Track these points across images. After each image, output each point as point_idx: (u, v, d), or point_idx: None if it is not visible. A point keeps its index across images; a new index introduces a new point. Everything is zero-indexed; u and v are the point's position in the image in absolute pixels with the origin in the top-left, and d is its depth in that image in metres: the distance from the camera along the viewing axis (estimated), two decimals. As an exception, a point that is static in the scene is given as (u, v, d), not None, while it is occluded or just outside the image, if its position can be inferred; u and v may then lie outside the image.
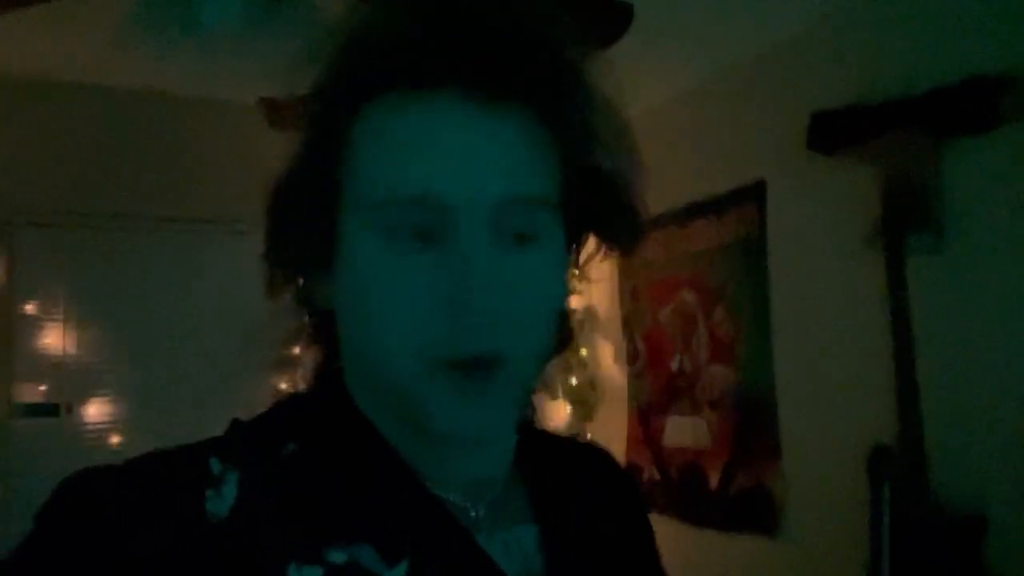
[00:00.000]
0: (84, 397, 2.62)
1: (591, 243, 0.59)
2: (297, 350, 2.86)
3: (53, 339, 2.60)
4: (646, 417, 2.91)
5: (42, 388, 2.57)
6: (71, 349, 2.62)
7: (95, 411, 2.63)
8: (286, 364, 2.87)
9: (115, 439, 2.61)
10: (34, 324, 2.59)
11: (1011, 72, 1.77)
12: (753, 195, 2.47)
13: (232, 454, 0.50)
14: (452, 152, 0.47)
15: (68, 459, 2.48)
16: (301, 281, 0.55)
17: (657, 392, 2.87)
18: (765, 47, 2.44)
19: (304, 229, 0.51)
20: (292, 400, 0.58)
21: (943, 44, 1.94)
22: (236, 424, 0.54)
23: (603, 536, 0.61)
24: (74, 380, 2.61)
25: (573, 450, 0.69)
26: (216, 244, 2.82)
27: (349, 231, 0.50)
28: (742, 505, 2.48)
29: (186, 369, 2.69)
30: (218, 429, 0.53)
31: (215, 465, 0.49)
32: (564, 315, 0.57)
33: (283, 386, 2.82)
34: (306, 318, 0.58)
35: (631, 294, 3.01)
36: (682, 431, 2.75)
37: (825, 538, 2.18)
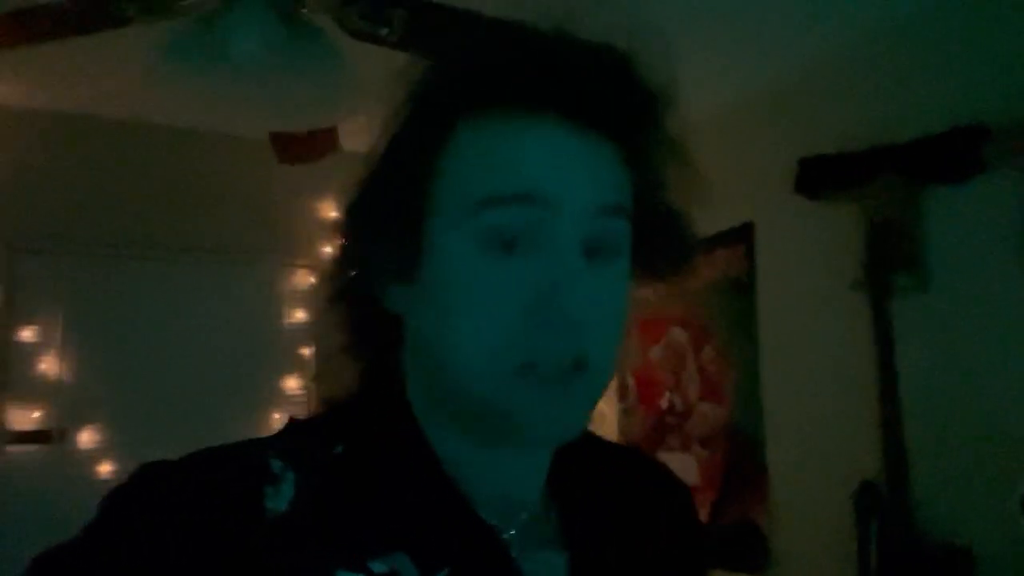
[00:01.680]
0: (77, 424, 2.62)
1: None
2: (292, 383, 2.88)
3: (49, 365, 2.61)
4: (636, 453, 2.93)
5: (35, 415, 2.57)
6: (66, 376, 2.63)
7: (88, 438, 2.62)
8: (285, 395, 2.89)
9: (106, 467, 2.60)
10: (30, 350, 2.60)
11: (991, 122, 1.86)
12: (742, 236, 2.55)
13: (290, 454, 0.51)
14: (553, 160, 0.50)
15: (57, 486, 2.48)
16: (375, 288, 0.56)
17: (647, 429, 2.90)
18: (754, 93, 2.53)
19: (391, 234, 0.52)
20: (349, 402, 0.58)
21: (927, 95, 2.04)
22: (292, 424, 0.56)
23: (641, 559, 0.60)
24: (68, 407, 2.61)
25: (621, 460, 0.68)
26: (213, 273, 2.85)
27: (439, 236, 0.51)
28: (732, 542, 2.50)
29: (181, 397, 2.70)
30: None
31: (275, 464, 0.50)
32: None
33: (277, 416, 2.83)
34: (356, 328, 0.59)
35: (622, 331, 3.05)
36: (672, 467, 2.77)
37: (814, 574, 2.21)
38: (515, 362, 0.49)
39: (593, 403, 0.53)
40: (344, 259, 0.57)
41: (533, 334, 0.48)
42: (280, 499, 0.49)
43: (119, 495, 0.49)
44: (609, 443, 0.68)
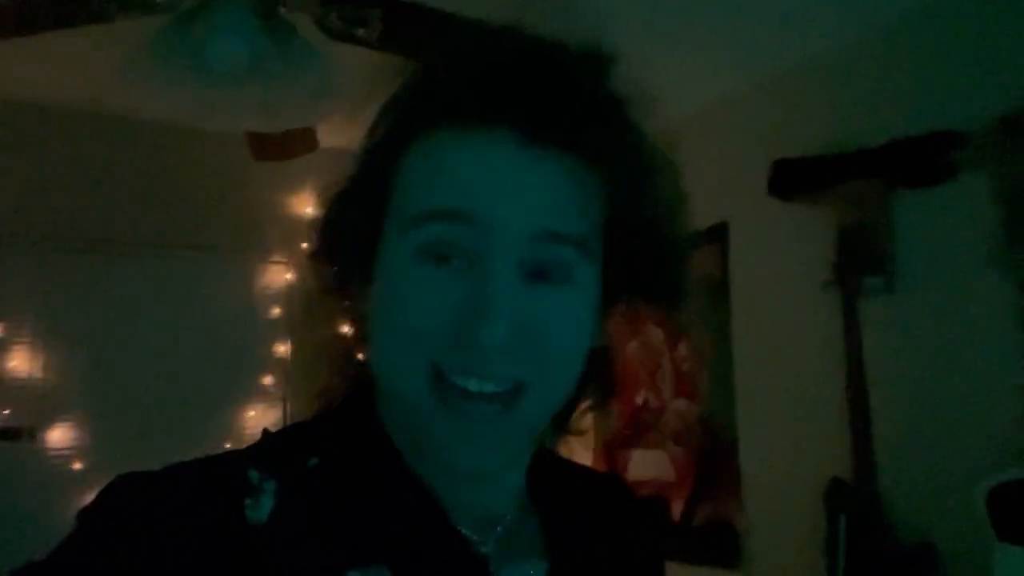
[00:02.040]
0: (48, 422, 2.59)
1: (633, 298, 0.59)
2: (268, 380, 2.87)
3: (19, 362, 2.57)
4: (611, 451, 2.96)
5: (5, 412, 2.53)
6: (37, 373, 2.59)
7: (58, 436, 2.59)
8: (260, 392, 2.88)
9: (77, 465, 2.57)
10: (0, 347, 2.56)
11: (959, 128, 1.90)
12: (717, 236, 2.58)
13: (269, 465, 0.51)
14: (492, 178, 0.49)
15: (27, 484, 2.45)
16: (349, 288, 0.58)
17: (622, 426, 2.93)
18: (729, 96, 2.56)
19: (351, 243, 0.55)
20: (322, 414, 0.59)
21: (899, 99, 2.08)
22: (267, 435, 0.56)
23: (615, 571, 0.61)
24: (39, 404, 2.58)
25: (589, 479, 0.68)
26: (188, 270, 2.83)
27: (387, 246, 0.52)
28: (705, 537, 2.54)
29: (154, 395, 2.68)
30: (184, 457, 0.52)
31: (253, 475, 0.50)
32: (601, 361, 0.58)
33: (252, 413, 2.82)
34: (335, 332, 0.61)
35: (598, 329, 3.08)
36: (647, 464, 2.80)
37: (786, 569, 2.25)
38: (424, 366, 0.49)
39: (526, 434, 0.53)
40: (319, 257, 0.59)
41: (456, 348, 0.48)
42: (260, 510, 0.48)
43: (94, 509, 0.48)
44: (578, 464, 0.69)
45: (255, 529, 0.48)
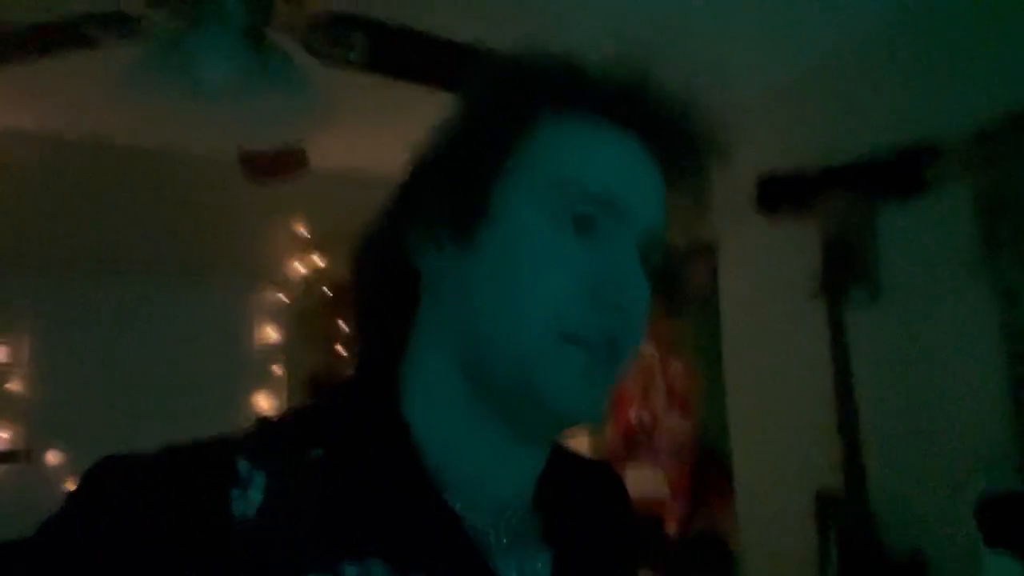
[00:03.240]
0: (47, 444, 2.60)
1: None
2: (264, 402, 2.88)
3: (17, 385, 2.59)
4: (606, 468, 2.96)
5: (4, 435, 2.54)
6: (35, 395, 2.61)
7: (56, 458, 2.60)
8: (256, 414, 2.88)
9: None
10: (-1, 370, 2.58)
11: (936, 141, 1.94)
12: (706, 252, 2.61)
13: (260, 455, 0.50)
14: (631, 171, 0.55)
15: (27, 507, 2.45)
16: (414, 248, 0.57)
17: (616, 443, 2.93)
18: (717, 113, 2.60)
19: (460, 193, 0.54)
20: (329, 396, 0.58)
21: (878, 116, 2.12)
22: (263, 423, 0.55)
23: (610, 560, 0.62)
24: (37, 427, 2.59)
25: (585, 467, 0.69)
26: (183, 293, 2.85)
27: (513, 207, 0.53)
28: (699, 552, 2.54)
29: (150, 416, 2.68)
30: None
31: (243, 466, 0.49)
32: None
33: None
34: (377, 289, 0.60)
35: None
36: (641, 481, 2.81)
37: (778, 583, 2.24)
38: (563, 330, 0.51)
39: (613, 388, 0.56)
40: (396, 213, 0.58)
41: (587, 311, 0.51)
42: (247, 504, 0.48)
43: (80, 491, 0.48)
44: (573, 450, 0.69)
45: (240, 523, 0.47)
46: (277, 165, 1.90)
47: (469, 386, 0.54)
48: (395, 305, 0.58)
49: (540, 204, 0.53)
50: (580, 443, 3.07)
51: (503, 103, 0.56)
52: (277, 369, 2.91)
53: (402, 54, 1.40)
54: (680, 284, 0.63)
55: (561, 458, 0.64)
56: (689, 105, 0.57)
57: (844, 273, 2.07)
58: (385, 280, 0.58)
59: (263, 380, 2.90)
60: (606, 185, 0.53)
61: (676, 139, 0.56)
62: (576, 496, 0.62)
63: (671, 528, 2.66)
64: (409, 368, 0.57)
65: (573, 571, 0.57)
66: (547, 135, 0.55)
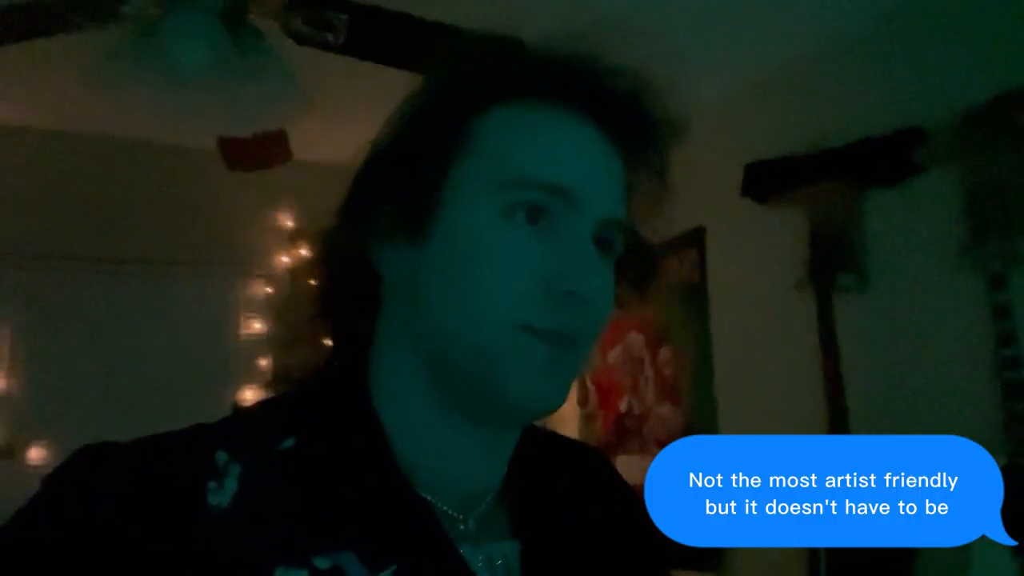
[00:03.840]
0: (28, 440, 2.57)
1: None
2: (251, 395, 2.86)
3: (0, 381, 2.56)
4: (596, 458, 2.96)
5: (-16, 431, 2.52)
6: (16, 391, 2.58)
7: (39, 454, 2.57)
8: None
9: (58, 484, 2.55)
10: (-21, 365, 2.55)
11: (923, 125, 1.93)
12: (693, 240, 2.60)
13: (236, 446, 0.50)
14: (583, 158, 0.54)
15: (8, 504, 2.42)
16: (370, 248, 0.56)
17: (607, 433, 2.93)
18: (700, 102, 2.59)
19: (409, 192, 0.54)
20: (301, 388, 0.58)
21: (864, 100, 2.11)
22: (238, 412, 0.56)
23: (588, 550, 0.60)
24: (19, 422, 2.56)
25: (567, 451, 0.69)
26: (167, 285, 2.82)
27: (463, 201, 0.53)
28: (689, 541, 2.53)
29: (135, 411, 2.66)
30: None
31: (220, 457, 0.50)
32: None
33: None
34: (338, 289, 0.59)
35: (581, 337, 3.08)
36: (632, 471, 2.79)
37: (767, 573, 2.24)
38: (520, 322, 0.51)
39: (574, 379, 0.56)
40: (349, 214, 0.57)
41: (542, 301, 0.51)
42: (223, 495, 0.48)
43: (56, 479, 0.49)
44: (556, 434, 0.69)
45: (214, 514, 0.47)
46: (258, 153, 1.87)
47: (432, 380, 0.54)
48: (360, 303, 0.58)
49: (490, 196, 0.52)
50: (571, 433, 3.06)
51: (449, 96, 0.55)
52: (263, 361, 2.89)
53: (383, 36, 1.38)
54: (651, 268, 0.62)
55: (540, 442, 0.63)
56: (642, 84, 0.56)
57: (832, 260, 2.07)
58: (348, 280, 0.58)
59: (249, 373, 2.88)
60: (556, 174, 0.52)
61: (631, 119, 0.56)
62: (553, 483, 0.62)
63: (661, 517, 2.65)
64: (376, 361, 0.57)
65: (545, 558, 0.57)
66: (496, 125, 0.54)
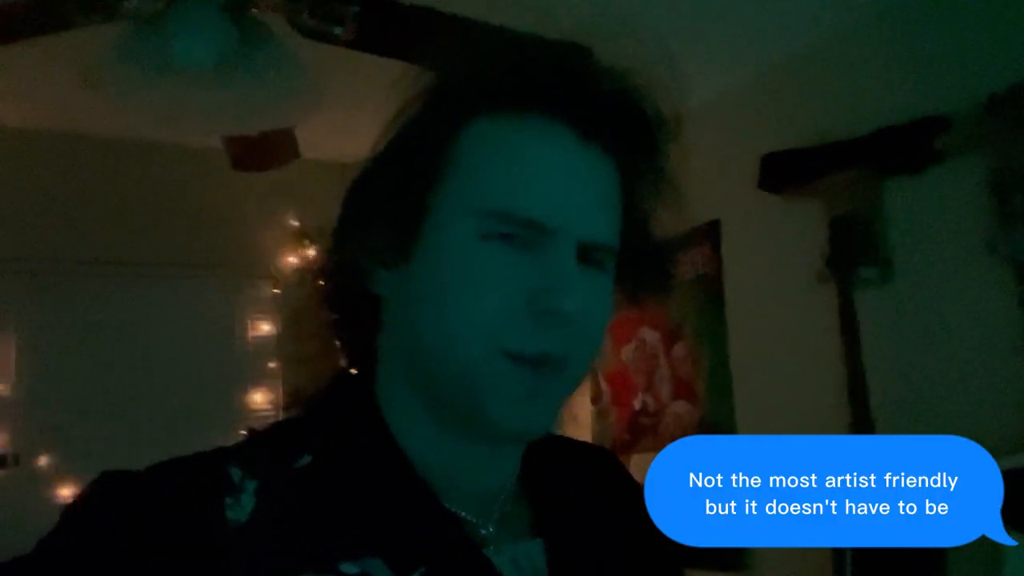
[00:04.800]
0: (35, 448, 2.54)
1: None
2: (259, 398, 2.83)
3: (3, 387, 2.53)
4: (610, 457, 2.92)
5: (-11, 439, 2.49)
6: (22, 398, 2.55)
7: (46, 462, 2.54)
8: (251, 411, 2.84)
9: (65, 491, 2.52)
10: (-16, 371, 2.52)
11: (945, 113, 1.89)
12: (709, 234, 2.55)
13: (250, 463, 0.51)
14: (560, 185, 0.52)
15: (14, 512, 2.40)
16: (363, 270, 0.57)
17: (621, 430, 2.89)
18: (717, 94, 2.54)
19: (390, 219, 0.54)
20: (311, 406, 0.59)
21: (883, 88, 2.06)
22: (252, 434, 0.57)
23: (609, 545, 0.62)
24: (25, 430, 2.53)
25: (578, 452, 0.70)
26: (173, 288, 2.80)
27: (445, 221, 0.52)
28: (708, 541, 2.50)
29: (143, 416, 2.64)
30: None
31: (235, 473, 0.50)
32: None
33: (243, 433, 2.78)
34: (340, 308, 0.60)
35: (593, 334, 3.05)
36: (647, 469, 2.76)
37: (791, 572, 2.20)
38: (503, 347, 0.50)
39: (563, 401, 0.55)
40: (339, 239, 0.57)
41: (521, 324, 0.50)
42: (240, 510, 0.49)
43: (78, 507, 0.50)
44: (566, 437, 0.69)
45: (234, 527, 0.48)
46: (265, 152, 1.83)
47: (424, 400, 0.55)
48: (363, 322, 0.59)
49: (466, 220, 0.52)
50: (583, 431, 3.02)
51: (428, 114, 0.54)
52: (272, 363, 2.86)
53: (396, 29, 1.33)
54: (663, 264, 0.61)
55: (550, 444, 0.64)
56: (633, 83, 0.55)
57: (852, 252, 2.02)
58: (349, 299, 0.59)
59: (258, 375, 2.85)
60: (529, 207, 0.51)
61: (621, 121, 0.54)
62: (569, 482, 0.63)
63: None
64: (381, 379, 0.58)
65: (569, 556, 0.57)
66: (475, 143, 0.53)
